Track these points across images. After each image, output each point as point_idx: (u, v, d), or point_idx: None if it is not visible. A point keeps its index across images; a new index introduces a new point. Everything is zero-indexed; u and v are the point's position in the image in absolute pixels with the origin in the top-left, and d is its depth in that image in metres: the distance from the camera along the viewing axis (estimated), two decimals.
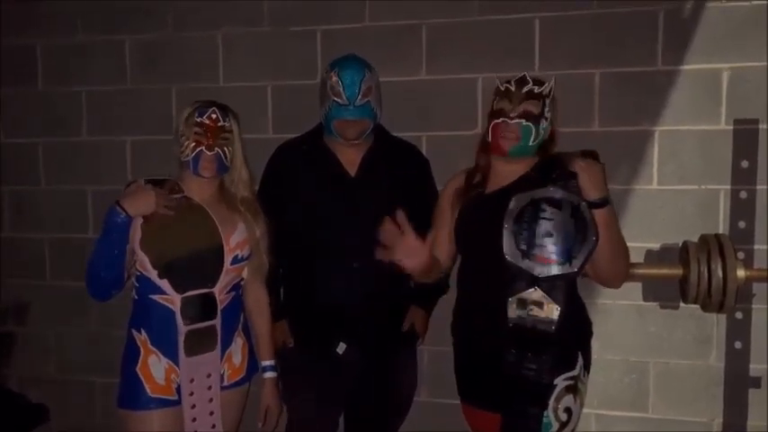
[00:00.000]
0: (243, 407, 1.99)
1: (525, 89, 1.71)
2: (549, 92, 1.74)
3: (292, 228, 2.03)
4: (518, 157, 1.75)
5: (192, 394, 1.82)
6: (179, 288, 1.79)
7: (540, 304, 1.62)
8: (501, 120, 1.71)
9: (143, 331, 1.83)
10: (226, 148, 1.83)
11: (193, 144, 1.80)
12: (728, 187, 2.21)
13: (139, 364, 1.81)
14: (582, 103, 2.29)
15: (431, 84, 2.42)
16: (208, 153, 1.80)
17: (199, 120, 1.81)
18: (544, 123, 1.73)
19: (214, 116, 1.82)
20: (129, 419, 1.82)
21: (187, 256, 1.80)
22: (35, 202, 2.78)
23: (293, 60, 2.51)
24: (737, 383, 2.24)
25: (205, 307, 1.82)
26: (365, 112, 1.99)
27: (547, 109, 1.73)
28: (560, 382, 1.69)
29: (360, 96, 1.96)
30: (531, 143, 1.72)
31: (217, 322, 1.84)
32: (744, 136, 2.19)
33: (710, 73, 2.21)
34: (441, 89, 2.40)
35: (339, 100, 1.97)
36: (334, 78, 1.98)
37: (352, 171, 2.06)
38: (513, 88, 1.72)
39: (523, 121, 1.70)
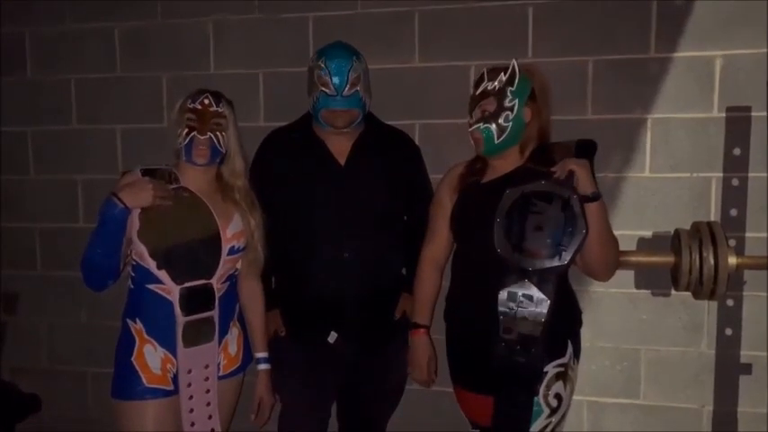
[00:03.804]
0: (237, 397, 2.00)
1: (479, 90, 1.77)
2: (508, 80, 1.73)
3: (282, 217, 2.02)
4: (497, 153, 1.78)
5: (189, 385, 1.81)
6: (177, 279, 1.78)
7: (530, 297, 1.63)
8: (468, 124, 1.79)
9: (138, 321, 1.82)
10: (219, 133, 1.82)
11: (186, 130, 1.80)
12: (720, 175, 2.21)
13: (135, 355, 1.81)
14: (575, 90, 2.28)
15: (423, 71, 2.40)
16: (200, 137, 1.79)
17: (191, 106, 1.81)
18: (509, 115, 1.73)
19: (206, 101, 1.82)
20: (124, 410, 1.81)
21: (185, 247, 1.79)
22: (24, 192, 2.76)
23: (285, 47, 2.49)
24: (728, 370, 2.25)
25: (203, 298, 1.82)
26: (353, 102, 1.97)
27: (508, 98, 1.73)
28: (550, 369, 1.72)
29: (348, 86, 1.94)
30: (498, 141, 1.75)
31: (215, 313, 1.84)
32: (736, 123, 2.19)
33: (703, 60, 2.21)
34: (433, 76, 2.38)
35: (326, 90, 1.95)
36: (322, 68, 1.96)
37: (342, 160, 2.05)
38: (472, 90, 1.79)
39: (480, 124, 1.75)
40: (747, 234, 2.20)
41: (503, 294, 1.65)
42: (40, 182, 2.74)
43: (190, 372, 1.81)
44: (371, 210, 2.04)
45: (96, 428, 2.66)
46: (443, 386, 2.00)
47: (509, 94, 1.73)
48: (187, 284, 1.79)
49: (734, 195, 2.21)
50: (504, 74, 1.74)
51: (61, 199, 2.72)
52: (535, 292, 1.63)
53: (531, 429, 1.71)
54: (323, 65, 1.96)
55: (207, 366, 1.84)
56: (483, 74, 1.78)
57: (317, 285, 2.03)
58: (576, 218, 1.61)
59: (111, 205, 1.72)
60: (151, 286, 1.80)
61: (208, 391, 1.85)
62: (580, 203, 1.61)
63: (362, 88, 1.99)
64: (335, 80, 1.94)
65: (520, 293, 1.64)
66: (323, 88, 1.95)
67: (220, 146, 1.83)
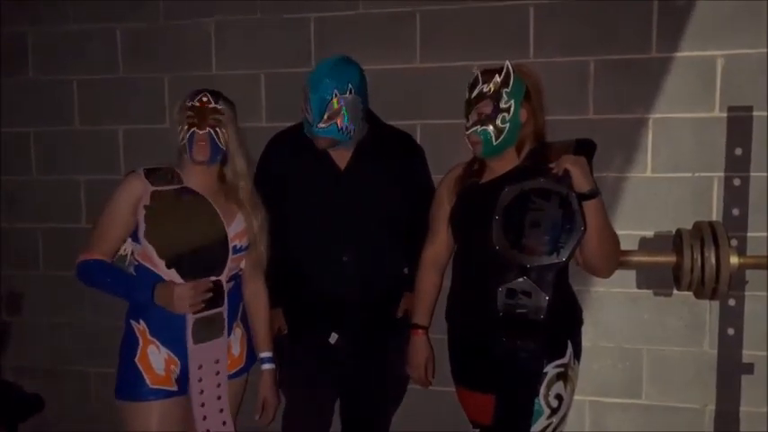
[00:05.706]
0: (241, 397, 2.00)
1: (474, 94, 1.76)
2: (503, 81, 1.74)
3: (284, 219, 2.02)
4: (496, 155, 1.78)
5: (200, 380, 1.82)
6: (187, 277, 1.78)
7: (528, 294, 1.64)
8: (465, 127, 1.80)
9: (142, 321, 1.83)
10: (218, 129, 1.83)
11: (186, 126, 1.82)
12: (722, 174, 2.21)
13: (138, 355, 1.81)
14: (576, 90, 2.29)
15: (425, 72, 2.40)
16: (199, 132, 1.81)
17: (190, 104, 1.83)
18: (506, 116, 1.74)
19: (205, 99, 1.84)
20: (129, 411, 1.82)
21: (193, 245, 1.80)
22: (27, 192, 2.76)
23: (287, 48, 2.49)
24: (730, 370, 2.25)
25: (213, 295, 1.82)
26: (329, 133, 1.96)
27: (504, 100, 1.73)
28: (550, 369, 1.73)
29: (325, 119, 1.94)
30: (496, 142, 1.76)
31: (224, 310, 1.85)
32: (738, 123, 2.19)
33: (705, 60, 2.21)
34: (435, 77, 2.39)
35: (307, 117, 1.97)
36: (306, 92, 1.96)
37: (343, 164, 2.05)
38: (467, 94, 1.78)
39: (478, 127, 1.75)
40: (749, 234, 2.20)
41: (502, 291, 1.65)
42: (42, 182, 2.75)
43: (201, 367, 1.82)
44: (371, 213, 2.04)
45: (99, 428, 2.66)
46: (444, 386, 2.01)
47: (504, 95, 1.73)
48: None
49: (735, 195, 2.20)
50: (499, 75, 1.74)
51: (64, 199, 2.72)
52: (534, 288, 1.63)
53: (532, 430, 1.72)
54: (307, 91, 1.95)
55: (217, 361, 1.85)
56: (477, 76, 1.78)
57: (317, 287, 2.04)
58: (573, 215, 1.61)
59: (146, 297, 1.78)
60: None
61: (219, 385, 1.86)
62: (578, 200, 1.61)
63: (349, 115, 1.95)
64: (313, 112, 1.94)
65: (519, 290, 1.64)
66: (305, 113, 1.97)
67: (220, 141, 1.84)
